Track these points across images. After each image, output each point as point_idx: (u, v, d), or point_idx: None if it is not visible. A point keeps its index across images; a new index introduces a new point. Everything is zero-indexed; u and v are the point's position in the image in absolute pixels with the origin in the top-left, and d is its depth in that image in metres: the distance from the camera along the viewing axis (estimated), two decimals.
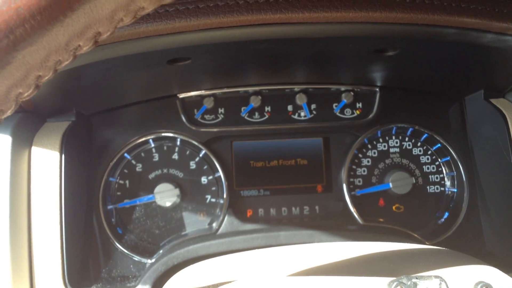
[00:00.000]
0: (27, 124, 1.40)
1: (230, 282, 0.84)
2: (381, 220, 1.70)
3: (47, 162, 1.37)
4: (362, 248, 1.14)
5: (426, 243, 1.63)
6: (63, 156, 1.38)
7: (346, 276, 0.81)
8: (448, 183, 1.74)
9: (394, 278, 0.64)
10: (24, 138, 1.37)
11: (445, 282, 0.63)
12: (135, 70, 1.36)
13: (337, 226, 1.65)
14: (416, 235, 1.65)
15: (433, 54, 1.38)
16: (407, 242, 1.45)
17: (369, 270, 0.93)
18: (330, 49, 1.33)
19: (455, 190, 1.72)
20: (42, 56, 0.48)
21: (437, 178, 1.75)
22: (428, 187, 1.74)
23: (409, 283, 0.62)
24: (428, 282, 0.62)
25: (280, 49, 1.31)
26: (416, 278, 0.62)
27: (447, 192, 1.74)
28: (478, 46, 1.25)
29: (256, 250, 1.23)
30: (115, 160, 1.59)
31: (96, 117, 1.59)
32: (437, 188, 1.74)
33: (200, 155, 1.65)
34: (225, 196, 1.63)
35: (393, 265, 0.99)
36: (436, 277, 0.62)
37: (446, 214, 1.71)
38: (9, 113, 0.50)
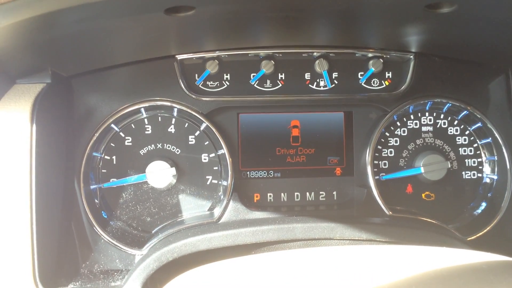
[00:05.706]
0: None
1: None
2: (413, 210, 1.52)
3: (14, 133, 1.23)
4: (405, 259, 0.90)
5: (467, 239, 1.44)
6: (34, 125, 1.24)
7: None
8: (487, 168, 1.56)
9: None
10: None
11: None
12: (124, 20, 1.15)
13: (360, 216, 1.47)
14: (451, 229, 1.45)
15: (492, 13, 1.17)
16: (444, 238, 1.31)
17: None
18: (373, 1, 1.09)
19: (496, 177, 1.55)
20: None
21: (474, 162, 1.57)
22: (463, 173, 1.56)
23: None
24: None
25: None
26: None
27: (485, 180, 1.56)
28: None
29: (269, 253, 1.02)
30: (100, 131, 1.45)
31: (78, 79, 1.45)
32: (474, 174, 1.57)
33: (201, 129, 1.51)
34: (229, 177, 1.46)
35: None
36: None
37: (484, 205, 1.54)
38: None
